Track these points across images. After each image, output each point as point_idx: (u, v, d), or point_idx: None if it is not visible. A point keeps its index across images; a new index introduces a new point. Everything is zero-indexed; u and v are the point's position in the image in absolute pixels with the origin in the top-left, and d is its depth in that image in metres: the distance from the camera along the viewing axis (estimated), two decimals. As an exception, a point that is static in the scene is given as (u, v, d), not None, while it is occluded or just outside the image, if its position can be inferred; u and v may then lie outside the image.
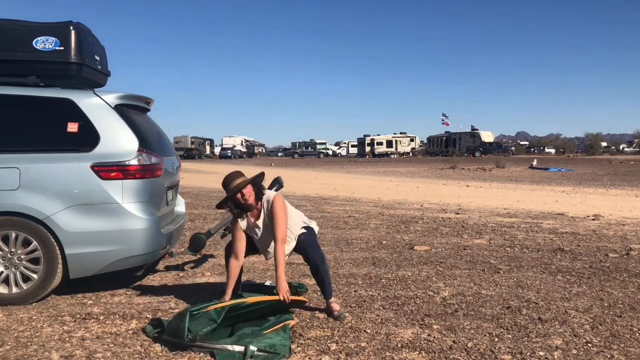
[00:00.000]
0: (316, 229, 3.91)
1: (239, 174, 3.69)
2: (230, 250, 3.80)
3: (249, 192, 3.59)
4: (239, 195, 3.58)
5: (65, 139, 3.93)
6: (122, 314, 3.69)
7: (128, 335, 3.29)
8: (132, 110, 4.35)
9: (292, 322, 3.35)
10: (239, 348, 2.98)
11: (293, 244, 3.73)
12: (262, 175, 3.75)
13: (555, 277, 4.79)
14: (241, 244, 3.72)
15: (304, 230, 3.77)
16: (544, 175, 24.09)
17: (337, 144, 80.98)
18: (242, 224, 3.73)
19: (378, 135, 62.22)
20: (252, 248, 3.85)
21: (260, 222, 3.70)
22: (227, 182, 3.64)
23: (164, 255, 4.78)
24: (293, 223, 3.72)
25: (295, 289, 4.17)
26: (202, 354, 3.01)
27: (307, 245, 3.71)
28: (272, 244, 3.64)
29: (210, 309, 3.17)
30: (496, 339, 3.24)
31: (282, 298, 3.42)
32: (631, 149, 69.18)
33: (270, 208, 3.60)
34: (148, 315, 3.66)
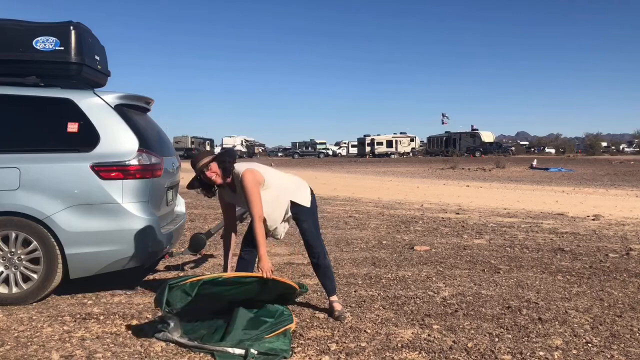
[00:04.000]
0: (309, 197, 3.80)
1: (206, 154, 3.62)
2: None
3: (214, 171, 3.52)
4: (206, 174, 3.51)
5: (65, 139, 3.93)
6: (122, 314, 3.69)
7: (128, 335, 3.30)
8: (132, 110, 4.35)
9: (292, 326, 3.34)
10: (239, 351, 2.99)
11: (287, 225, 3.73)
12: (228, 152, 3.66)
13: (555, 277, 4.79)
14: (229, 215, 3.78)
15: (303, 218, 3.71)
16: (544, 175, 24.09)
17: (337, 144, 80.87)
18: (225, 195, 3.71)
19: (378, 135, 62.11)
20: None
21: (238, 195, 3.65)
22: (193, 162, 3.55)
23: (164, 255, 4.78)
24: (279, 207, 3.62)
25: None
26: (202, 354, 3.01)
27: (310, 237, 3.72)
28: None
29: (187, 282, 3.16)
30: (496, 339, 3.24)
31: (264, 275, 3.34)
32: (631, 149, 69.11)
33: (240, 185, 3.52)
34: (148, 315, 3.67)
